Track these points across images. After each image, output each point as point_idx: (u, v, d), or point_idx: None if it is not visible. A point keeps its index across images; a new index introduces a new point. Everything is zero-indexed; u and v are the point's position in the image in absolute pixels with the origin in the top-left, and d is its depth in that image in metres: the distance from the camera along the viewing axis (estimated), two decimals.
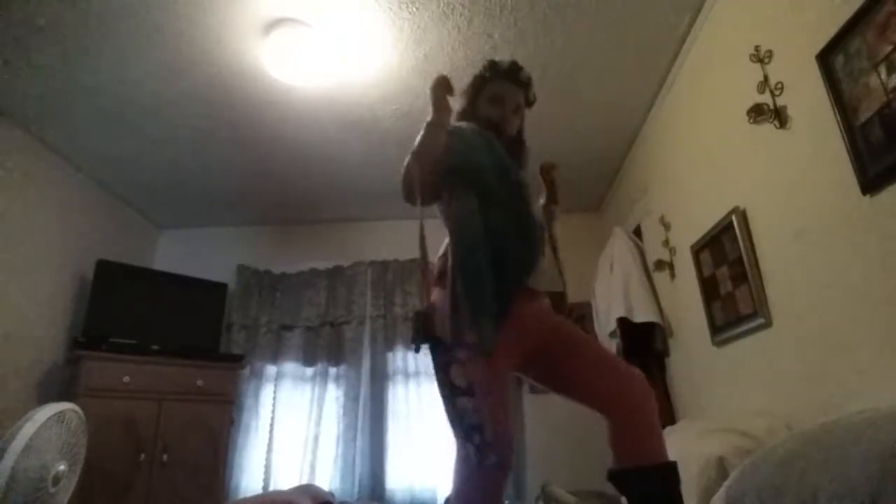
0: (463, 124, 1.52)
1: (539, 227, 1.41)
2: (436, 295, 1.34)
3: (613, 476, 1.27)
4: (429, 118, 1.41)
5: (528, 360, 1.37)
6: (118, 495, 2.79)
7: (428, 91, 1.45)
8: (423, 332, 1.27)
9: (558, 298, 1.49)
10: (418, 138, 1.39)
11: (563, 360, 1.37)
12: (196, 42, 2.36)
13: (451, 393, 1.24)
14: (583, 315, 1.44)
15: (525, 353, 1.35)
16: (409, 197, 1.38)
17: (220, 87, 2.65)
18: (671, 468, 1.24)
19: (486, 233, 1.30)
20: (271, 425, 3.61)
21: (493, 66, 1.56)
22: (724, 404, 2.21)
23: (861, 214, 1.39)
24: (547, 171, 1.64)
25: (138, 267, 3.58)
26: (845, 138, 1.41)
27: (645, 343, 2.92)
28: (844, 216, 1.45)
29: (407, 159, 1.38)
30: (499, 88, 1.54)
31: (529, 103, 1.62)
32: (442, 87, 1.43)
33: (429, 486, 3.42)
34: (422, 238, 1.37)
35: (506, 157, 1.44)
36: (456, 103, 1.54)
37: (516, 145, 1.57)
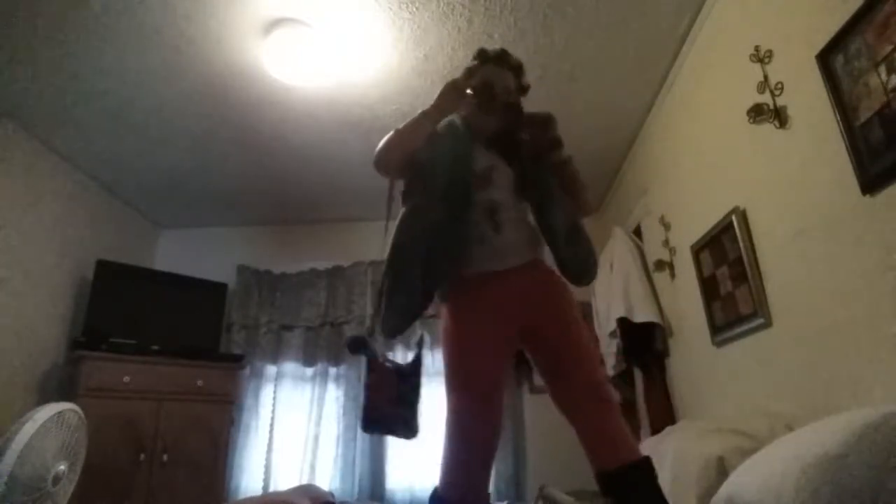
0: (442, 122, 1.56)
1: (487, 213, 1.44)
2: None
3: (603, 478, 1.30)
4: (426, 108, 1.48)
5: (521, 333, 1.44)
6: (118, 495, 2.79)
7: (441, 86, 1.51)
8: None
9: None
10: (407, 122, 1.49)
11: (552, 339, 1.42)
12: (196, 42, 2.36)
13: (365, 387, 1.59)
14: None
15: (510, 327, 1.42)
16: (378, 167, 1.54)
17: (220, 87, 2.65)
18: (649, 462, 1.31)
19: (424, 230, 1.43)
20: (271, 425, 3.61)
21: (481, 53, 1.60)
22: (724, 404, 2.21)
23: (861, 214, 1.39)
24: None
25: (138, 267, 3.59)
26: (845, 138, 1.41)
27: (645, 343, 2.92)
28: (844, 216, 1.45)
29: (390, 134, 1.49)
30: (487, 72, 1.56)
31: (523, 89, 1.62)
32: (456, 89, 1.50)
33: (429, 486, 3.41)
34: (389, 199, 1.60)
35: (464, 147, 1.50)
36: (464, 109, 1.58)
37: (507, 132, 1.58)
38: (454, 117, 1.60)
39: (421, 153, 1.49)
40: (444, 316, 1.46)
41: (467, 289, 1.41)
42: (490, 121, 1.56)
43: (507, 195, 1.50)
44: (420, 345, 1.59)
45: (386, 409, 1.50)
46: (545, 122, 1.54)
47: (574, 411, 1.36)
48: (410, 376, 1.55)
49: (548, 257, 1.53)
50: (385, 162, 1.51)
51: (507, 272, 1.42)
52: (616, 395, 1.39)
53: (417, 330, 3.66)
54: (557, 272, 1.52)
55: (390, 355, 3.75)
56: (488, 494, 1.47)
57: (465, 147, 1.51)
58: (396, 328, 1.48)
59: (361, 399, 1.54)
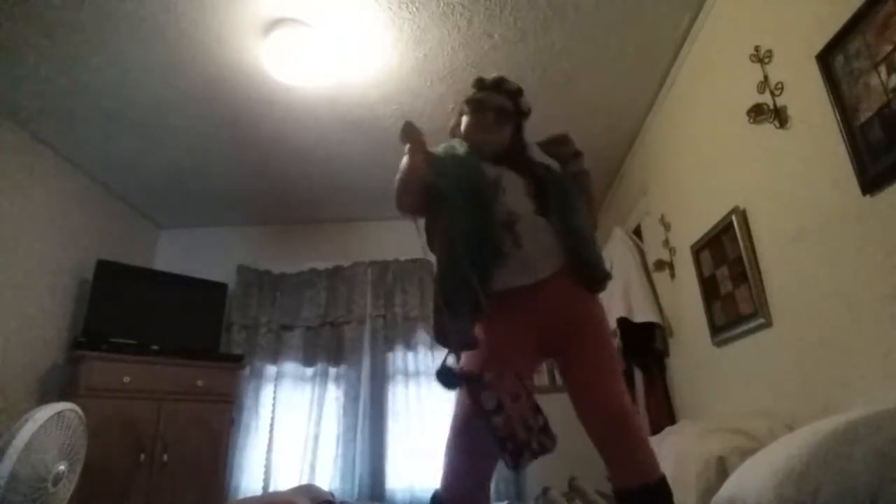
0: (440, 147, 1.57)
1: (505, 225, 1.39)
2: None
3: (618, 494, 1.29)
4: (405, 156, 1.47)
5: (545, 349, 1.41)
6: (118, 495, 2.78)
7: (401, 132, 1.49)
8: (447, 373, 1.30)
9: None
10: (401, 167, 1.47)
11: (574, 355, 1.38)
12: (196, 42, 2.36)
13: (485, 416, 1.25)
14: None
15: (537, 346, 1.39)
16: (401, 211, 1.51)
17: (220, 87, 2.65)
18: (665, 482, 1.29)
19: (460, 238, 1.37)
20: (271, 425, 3.61)
21: (478, 81, 1.62)
22: (724, 404, 2.21)
23: (861, 214, 1.39)
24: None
25: (138, 267, 3.58)
26: (845, 138, 1.41)
27: (645, 343, 2.92)
28: (844, 216, 1.45)
29: (396, 180, 1.48)
30: (479, 95, 1.59)
31: (522, 113, 1.62)
32: (406, 132, 1.48)
33: (429, 486, 3.42)
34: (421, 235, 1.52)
35: (469, 166, 1.46)
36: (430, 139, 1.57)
37: (512, 153, 1.58)
38: (454, 141, 1.60)
39: (429, 177, 1.45)
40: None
41: (498, 304, 1.33)
42: (490, 134, 1.56)
43: (522, 202, 1.46)
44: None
45: (530, 420, 1.26)
46: (564, 138, 1.58)
47: (593, 428, 1.33)
48: (524, 378, 1.35)
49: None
50: (401, 205, 1.49)
51: (535, 286, 1.37)
52: (635, 410, 1.34)
53: (331, 387, 3.67)
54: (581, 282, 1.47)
55: (392, 356, 3.78)
56: (489, 498, 1.46)
57: (470, 158, 1.50)
58: (468, 337, 1.34)
59: (494, 428, 1.21)
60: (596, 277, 1.46)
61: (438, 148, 1.55)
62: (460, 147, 1.54)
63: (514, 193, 1.46)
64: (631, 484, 1.26)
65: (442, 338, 1.36)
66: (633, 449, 1.29)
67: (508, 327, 1.36)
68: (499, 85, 1.60)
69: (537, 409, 1.26)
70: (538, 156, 1.62)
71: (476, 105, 1.58)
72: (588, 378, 1.36)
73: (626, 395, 1.37)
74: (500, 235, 1.37)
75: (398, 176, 1.46)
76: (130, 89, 2.64)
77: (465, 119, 1.60)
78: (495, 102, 1.57)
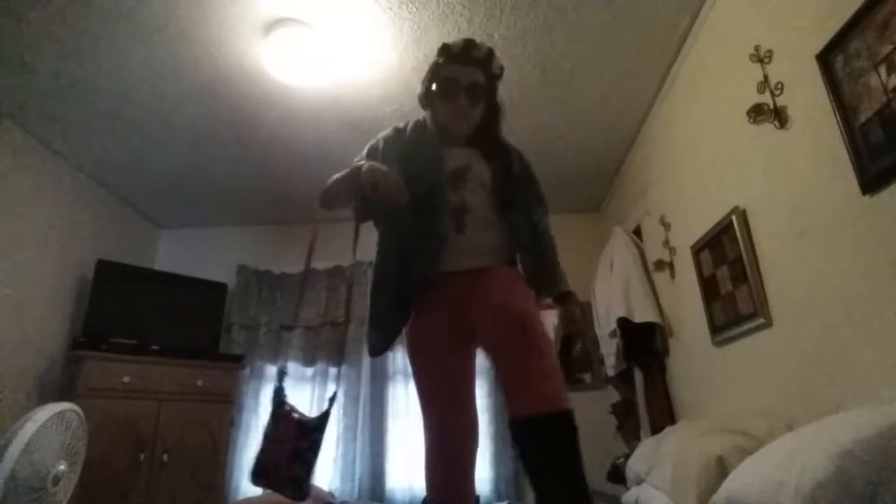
0: (409, 127, 1.55)
1: (454, 213, 1.40)
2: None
3: (512, 426, 1.18)
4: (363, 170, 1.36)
5: (473, 334, 1.39)
6: (118, 495, 2.78)
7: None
8: None
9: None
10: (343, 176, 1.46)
11: (495, 335, 1.31)
12: (196, 42, 2.36)
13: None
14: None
15: (464, 329, 1.37)
16: (327, 207, 1.58)
17: (220, 87, 2.65)
18: (572, 416, 1.14)
19: (397, 241, 1.43)
20: None
21: (444, 49, 1.50)
22: (724, 404, 2.21)
23: (861, 214, 1.39)
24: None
25: (138, 267, 3.58)
26: (845, 138, 1.41)
27: (645, 343, 2.92)
28: (844, 216, 1.45)
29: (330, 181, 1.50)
30: (449, 72, 1.48)
31: (495, 76, 1.53)
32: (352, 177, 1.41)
33: None
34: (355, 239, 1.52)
35: (432, 148, 1.46)
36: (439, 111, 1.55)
37: (486, 131, 1.54)
38: (425, 119, 1.56)
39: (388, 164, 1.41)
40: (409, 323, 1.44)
41: (426, 292, 1.38)
42: (464, 120, 1.50)
43: (481, 196, 1.45)
44: (332, 401, 1.50)
45: (281, 464, 1.38)
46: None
47: (497, 349, 1.26)
48: (313, 432, 1.42)
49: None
50: (331, 204, 1.53)
51: (461, 273, 1.37)
52: (550, 351, 1.22)
53: (331, 387, 3.70)
54: (519, 274, 1.47)
55: (392, 356, 3.77)
56: (475, 496, 1.45)
57: (433, 148, 1.46)
58: (378, 347, 1.45)
59: (258, 447, 1.43)
60: (538, 283, 1.46)
61: (407, 129, 1.53)
62: (430, 127, 1.51)
63: (475, 186, 1.45)
64: (531, 412, 1.11)
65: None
66: (536, 370, 1.15)
67: (426, 319, 1.40)
68: (468, 53, 1.48)
69: (296, 461, 1.35)
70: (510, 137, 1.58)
71: (447, 86, 1.48)
72: (491, 305, 1.31)
73: (536, 315, 1.28)
74: (446, 222, 1.38)
75: (346, 180, 1.41)
76: (131, 89, 2.64)
77: (434, 97, 1.52)
78: (467, 80, 1.46)
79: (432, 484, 1.41)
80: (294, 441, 1.39)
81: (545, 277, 1.48)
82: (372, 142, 1.56)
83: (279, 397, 1.49)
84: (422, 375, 1.44)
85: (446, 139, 1.50)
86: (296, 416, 1.46)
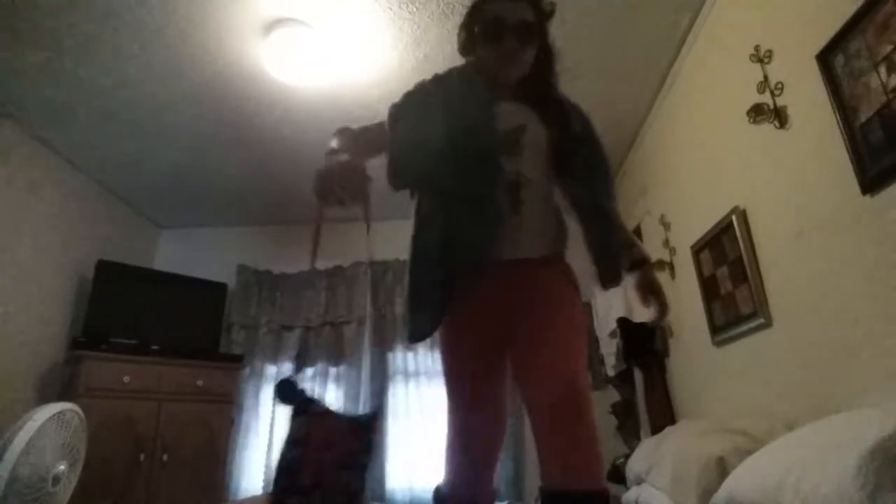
0: (453, 75, 1.30)
1: (509, 187, 1.18)
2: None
3: (543, 494, 1.06)
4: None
5: (502, 333, 1.22)
6: (118, 495, 2.78)
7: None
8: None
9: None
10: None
11: (519, 335, 1.18)
12: (196, 42, 2.36)
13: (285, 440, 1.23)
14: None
15: (503, 325, 1.21)
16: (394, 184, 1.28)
17: (220, 88, 2.65)
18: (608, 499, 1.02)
19: (440, 212, 1.19)
20: (271, 425, 3.61)
21: None
22: (724, 404, 2.21)
23: (861, 214, 1.39)
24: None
25: (138, 267, 3.58)
26: (845, 138, 1.41)
27: (645, 343, 2.92)
28: (844, 216, 1.45)
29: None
30: (494, 9, 1.25)
31: (546, 14, 1.31)
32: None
33: (429, 486, 3.42)
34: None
35: (483, 105, 1.21)
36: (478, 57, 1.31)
37: (537, 81, 1.31)
38: (469, 64, 1.32)
39: (422, 127, 1.20)
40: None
41: (466, 279, 1.16)
42: (513, 66, 1.26)
43: (538, 165, 1.23)
44: (382, 392, 1.30)
45: (326, 473, 1.10)
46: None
47: (536, 406, 1.09)
48: (367, 431, 1.18)
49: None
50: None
51: (511, 265, 1.17)
52: (590, 398, 1.09)
53: (331, 387, 3.63)
54: (574, 276, 1.27)
55: (392, 356, 3.77)
56: (494, 492, 1.32)
57: (484, 101, 1.21)
58: (422, 330, 1.21)
59: (281, 456, 1.13)
60: (609, 271, 1.25)
61: (450, 77, 1.29)
62: (476, 77, 1.27)
63: (532, 153, 1.22)
64: (567, 487, 0.99)
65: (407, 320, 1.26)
66: (578, 440, 1.02)
67: (468, 310, 1.19)
68: None
69: (348, 468, 1.08)
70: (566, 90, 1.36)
71: (491, 26, 1.24)
72: (538, 352, 1.12)
73: (586, 375, 1.14)
74: (500, 199, 1.15)
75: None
76: (131, 89, 2.64)
77: (477, 42, 1.29)
78: (515, 18, 1.23)
79: (457, 479, 1.27)
80: (343, 443, 1.14)
81: (612, 253, 1.27)
82: (407, 94, 1.33)
83: (302, 393, 1.22)
84: (452, 372, 1.26)
85: (496, 91, 1.26)
86: (335, 412, 1.22)
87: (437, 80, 1.31)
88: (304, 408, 1.18)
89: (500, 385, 1.28)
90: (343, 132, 1.34)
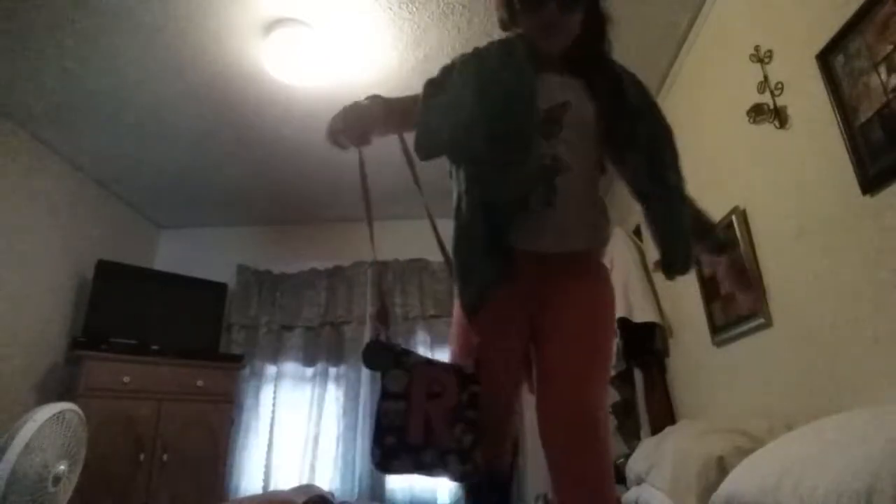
0: (493, 47, 1.18)
1: (542, 172, 1.08)
2: None
3: None
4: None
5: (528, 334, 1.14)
6: (118, 495, 2.78)
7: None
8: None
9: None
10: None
11: (543, 347, 1.11)
12: (196, 42, 2.36)
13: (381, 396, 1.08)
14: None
15: (520, 323, 1.13)
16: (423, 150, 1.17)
17: (220, 87, 2.65)
18: None
19: (477, 181, 1.09)
20: (271, 425, 3.61)
21: None
22: (724, 404, 2.21)
23: (861, 214, 1.39)
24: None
25: (138, 267, 3.58)
26: (845, 138, 1.41)
27: (645, 343, 2.92)
28: (844, 216, 1.45)
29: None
30: None
31: None
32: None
33: (429, 486, 3.42)
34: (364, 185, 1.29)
35: (523, 77, 1.10)
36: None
37: (587, 48, 1.18)
38: (510, 35, 1.20)
39: (453, 97, 1.11)
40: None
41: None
42: (555, 34, 1.13)
43: (581, 148, 1.12)
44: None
45: (438, 431, 0.97)
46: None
47: (551, 431, 1.01)
48: (472, 382, 1.04)
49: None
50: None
51: (543, 258, 1.09)
52: (610, 430, 1.05)
53: (331, 387, 3.60)
54: (608, 276, 1.19)
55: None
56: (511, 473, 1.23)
57: (523, 73, 1.10)
58: (474, 302, 1.07)
59: (381, 413, 0.97)
60: (680, 261, 1.14)
61: (491, 49, 1.18)
62: (519, 46, 1.15)
63: (574, 135, 1.11)
64: None
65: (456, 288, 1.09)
66: (592, 473, 0.97)
67: (492, 307, 1.07)
68: None
69: (459, 422, 0.97)
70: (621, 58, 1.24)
71: None
72: (563, 368, 1.05)
73: (605, 405, 1.09)
74: (530, 188, 1.06)
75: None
76: (131, 89, 2.64)
77: (516, 10, 1.16)
78: None
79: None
80: (450, 394, 0.98)
81: (684, 239, 1.15)
82: (447, 63, 1.23)
83: (397, 345, 1.08)
84: (463, 351, 1.14)
85: (539, 64, 1.13)
86: (435, 361, 1.08)
87: (476, 52, 1.20)
88: (400, 360, 1.02)
89: (515, 373, 1.17)
90: (375, 97, 1.24)
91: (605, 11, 1.21)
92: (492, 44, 1.21)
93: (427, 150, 1.15)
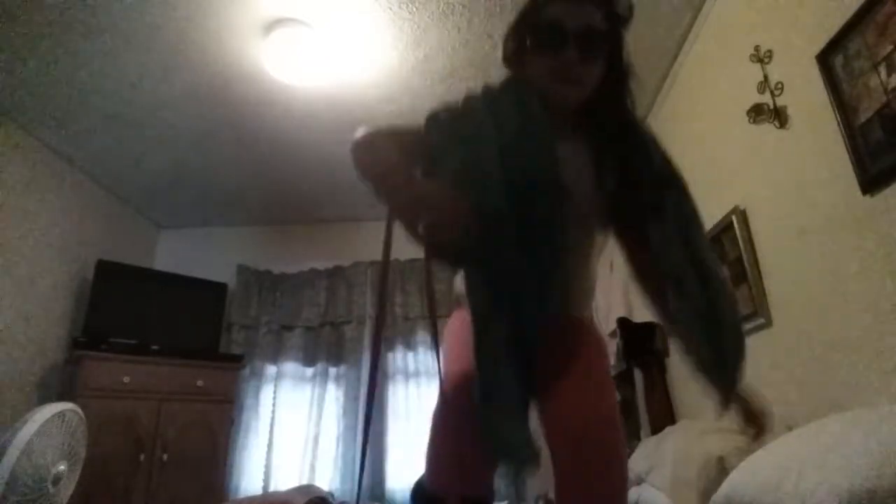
0: (503, 91, 0.99)
1: (568, 252, 0.95)
2: None
3: None
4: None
5: None
6: (118, 495, 2.78)
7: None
8: None
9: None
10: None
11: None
12: (196, 42, 2.36)
13: None
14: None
15: None
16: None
17: (220, 87, 2.65)
18: None
19: (496, 298, 0.89)
20: (271, 425, 3.61)
21: None
22: None
23: (861, 214, 1.39)
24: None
25: (138, 267, 3.58)
26: (845, 138, 1.41)
27: (645, 343, 2.92)
28: (844, 216, 1.45)
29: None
30: (552, 11, 0.97)
31: (620, 19, 1.01)
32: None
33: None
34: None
35: (546, 140, 0.92)
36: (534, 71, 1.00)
37: (602, 108, 1.02)
38: (518, 82, 1.01)
39: (469, 166, 0.89)
40: (460, 318, 1.03)
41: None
42: (571, 84, 0.98)
43: (576, 214, 0.96)
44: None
45: None
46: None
47: (560, 442, 0.92)
48: None
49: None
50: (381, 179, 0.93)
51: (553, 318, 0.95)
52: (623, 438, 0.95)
53: (331, 387, 3.57)
54: (601, 340, 1.10)
55: (392, 356, 3.77)
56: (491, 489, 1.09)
57: (544, 146, 0.92)
58: (518, 448, 0.84)
59: None
60: (717, 369, 1.02)
61: (506, 94, 0.98)
62: (534, 101, 0.95)
63: (577, 211, 0.95)
64: None
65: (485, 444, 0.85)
66: (601, 495, 0.89)
67: None
68: None
69: None
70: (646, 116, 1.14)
71: (546, 33, 0.97)
72: (566, 385, 0.95)
73: (616, 410, 0.99)
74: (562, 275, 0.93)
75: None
76: (131, 90, 2.64)
77: (528, 50, 1.00)
78: (577, 23, 0.95)
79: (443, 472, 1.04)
80: None
81: (732, 364, 1.01)
82: (449, 113, 1.00)
83: None
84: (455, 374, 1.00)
85: (552, 120, 0.96)
86: None
87: (487, 99, 0.99)
88: None
89: None
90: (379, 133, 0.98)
91: (629, 62, 1.04)
92: (505, 89, 1.01)
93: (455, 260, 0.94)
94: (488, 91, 1.00)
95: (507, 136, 0.91)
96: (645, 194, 0.99)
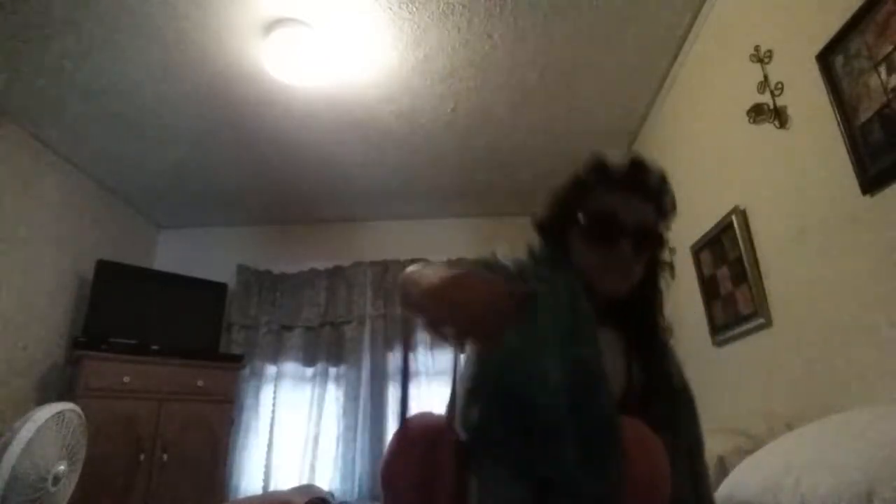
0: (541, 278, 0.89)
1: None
2: None
3: None
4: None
5: None
6: (118, 495, 2.78)
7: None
8: None
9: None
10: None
11: None
12: (196, 42, 2.35)
13: None
14: None
15: None
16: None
17: (220, 87, 2.65)
18: None
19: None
20: (271, 425, 3.61)
21: (599, 167, 0.98)
22: (724, 404, 2.21)
23: (861, 214, 1.39)
24: None
25: (138, 267, 3.58)
26: (845, 138, 1.41)
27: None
28: (844, 216, 1.45)
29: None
30: (609, 202, 0.95)
31: (666, 214, 0.99)
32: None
33: None
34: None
35: (593, 336, 0.85)
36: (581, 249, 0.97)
37: (632, 306, 0.99)
38: (565, 267, 0.94)
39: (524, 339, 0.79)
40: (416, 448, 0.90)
41: None
42: (621, 277, 0.95)
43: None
44: None
45: None
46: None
47: None
48: None
49: None
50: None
51: None
52: None
53: (331, 387, 3.53)
54: None
55: (392, 356, 3.77)
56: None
57: (594, 330, 0.86)
58: None
59: None
60: None
61: (558, 275, 0.90)
62: (579, 290, 0.88)
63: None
64: None
65: None
66: None
67: None
68: (638, 178, 0.96)
69: None
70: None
71: (602, 224, 0.94)
72: None
73: None
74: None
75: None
76: (130, 89, 2.64)
77: (580, 235, 0.97)
78: (636, 219, 0.94)
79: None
80: None
81: None
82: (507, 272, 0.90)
83: None
84: None
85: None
86: None
87: (539, 275, 0.90)
88: None
89: None
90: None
91: (666, 259, 1.05)
92: (558, 267, 0.93)
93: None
94: (536, 264, 0.96)
95: (563, 322, 0.83)
96: (662, 405, 0.95)
